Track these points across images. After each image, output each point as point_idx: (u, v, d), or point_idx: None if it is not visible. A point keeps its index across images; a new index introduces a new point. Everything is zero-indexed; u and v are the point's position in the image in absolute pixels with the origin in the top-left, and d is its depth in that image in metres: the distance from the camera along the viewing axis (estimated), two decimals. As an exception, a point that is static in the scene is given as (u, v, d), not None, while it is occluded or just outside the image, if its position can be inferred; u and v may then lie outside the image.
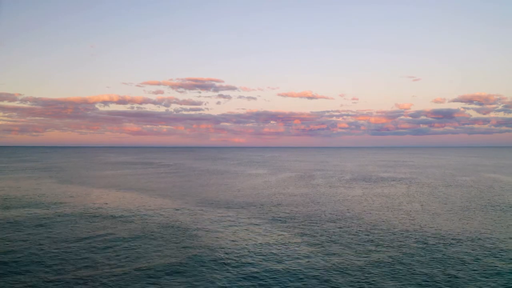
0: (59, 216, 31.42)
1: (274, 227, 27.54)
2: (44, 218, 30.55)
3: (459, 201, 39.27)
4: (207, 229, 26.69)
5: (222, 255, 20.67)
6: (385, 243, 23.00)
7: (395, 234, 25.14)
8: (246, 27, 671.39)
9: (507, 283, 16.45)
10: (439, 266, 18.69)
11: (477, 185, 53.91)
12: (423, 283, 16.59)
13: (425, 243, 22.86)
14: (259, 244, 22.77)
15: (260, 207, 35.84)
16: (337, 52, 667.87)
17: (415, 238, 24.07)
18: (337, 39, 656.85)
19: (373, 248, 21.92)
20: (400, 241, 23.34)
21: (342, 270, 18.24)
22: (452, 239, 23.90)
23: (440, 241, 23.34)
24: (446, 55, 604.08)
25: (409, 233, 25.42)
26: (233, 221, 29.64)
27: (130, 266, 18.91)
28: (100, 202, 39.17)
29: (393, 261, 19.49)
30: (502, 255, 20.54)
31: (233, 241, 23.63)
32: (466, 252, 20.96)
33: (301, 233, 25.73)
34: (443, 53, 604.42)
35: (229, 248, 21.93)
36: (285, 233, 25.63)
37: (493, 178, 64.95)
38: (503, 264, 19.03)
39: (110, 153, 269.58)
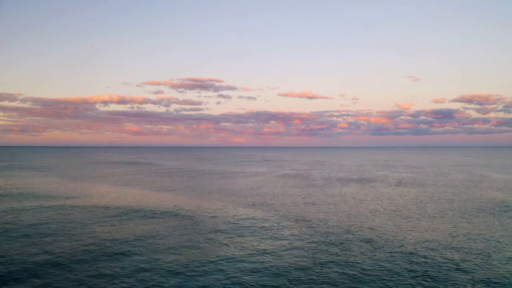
0: (67, 212, 33.18)
1: (267, 220, 29.30)
2: (54, 215, 32.30)
3: (444, 199, 41.04)
4: (207, 224, 28.47)
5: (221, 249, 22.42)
6: (367, 241, 24.75)
7: (378, 232, 26.89)
8: (246, 27, 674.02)
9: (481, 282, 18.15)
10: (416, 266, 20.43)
11: (466, 183, 55.60)
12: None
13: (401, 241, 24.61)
14: (254, 236, 24.55)
15: (254, 203, 37.60)
16: (337, 52, 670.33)
17: (390, 235, 25.83)
18: (337, 39, 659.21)
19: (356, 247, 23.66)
20: (377, 238, 25.10)
21: (322, 264, 19.97)
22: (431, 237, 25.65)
23: (419, 240, 25.08)
24: (446, 55, 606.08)
25: (387, 230, 27.18)
26: (228, 217, 31.39)
27: (140, 260, 20.63)
28: (107, 199, 40.89)
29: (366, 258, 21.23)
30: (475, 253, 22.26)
31: (229, 238, 25.39)
32: (433, 249, 22.71)
33: (298, 233, 27.46)
34: (443, 53, 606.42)
35: (229, 244, 23.69)
36: (278, 230, 27.38)
37: (484, 176, 66.63)
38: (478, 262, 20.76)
39: (110, 153, 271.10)
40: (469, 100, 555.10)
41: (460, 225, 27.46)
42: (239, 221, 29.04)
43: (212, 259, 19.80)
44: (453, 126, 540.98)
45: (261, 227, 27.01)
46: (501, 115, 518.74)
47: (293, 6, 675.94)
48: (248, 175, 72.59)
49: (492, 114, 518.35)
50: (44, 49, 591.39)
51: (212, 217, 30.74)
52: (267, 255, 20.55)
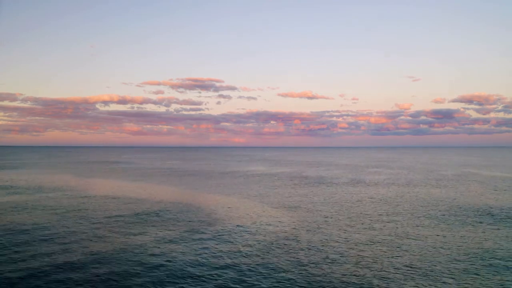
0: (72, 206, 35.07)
1: (258, 216, 31.22)
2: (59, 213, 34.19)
3: (428, 196, 42.90)
4: (205, 219, 30.37)
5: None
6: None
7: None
8: (246, 27, 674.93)
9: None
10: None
11: (453, 182, 57.43)
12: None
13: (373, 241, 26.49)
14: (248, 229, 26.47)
15: (248, 200, 39.54)
16: (337, 52, 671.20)
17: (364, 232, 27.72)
18: (337, 39, 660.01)
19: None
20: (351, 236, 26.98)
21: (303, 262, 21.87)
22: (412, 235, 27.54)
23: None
24: (446, 55, 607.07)
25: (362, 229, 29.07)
26: (218, 213, 33.24)
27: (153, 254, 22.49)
28: (118, 194, 42.77)
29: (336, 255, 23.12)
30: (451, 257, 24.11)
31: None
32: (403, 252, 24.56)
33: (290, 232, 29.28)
34: (443, 53, 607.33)
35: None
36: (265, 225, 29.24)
37: (473, 174, 68.40)
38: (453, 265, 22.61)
39: (110, 152, 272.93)
40: (469, 100, 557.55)
41: (423, 223, 29.38)
42: (228, 217, 30.89)
43: (195, 254, 21.70)
44: (453, 126, 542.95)
45: (253, 223, 28.88)
46: (501, 115, 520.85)
47: (293, 6, 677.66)
48: (245, 174, 74.44)
49: (492, 114, 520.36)
50: (44, 49, 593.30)
51: (204, 212, 32.63)
52: (248, 249, 22.41)
